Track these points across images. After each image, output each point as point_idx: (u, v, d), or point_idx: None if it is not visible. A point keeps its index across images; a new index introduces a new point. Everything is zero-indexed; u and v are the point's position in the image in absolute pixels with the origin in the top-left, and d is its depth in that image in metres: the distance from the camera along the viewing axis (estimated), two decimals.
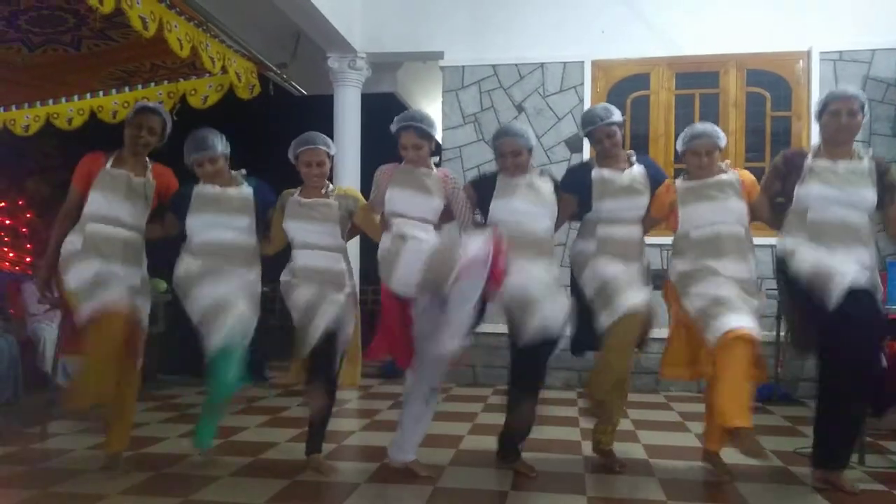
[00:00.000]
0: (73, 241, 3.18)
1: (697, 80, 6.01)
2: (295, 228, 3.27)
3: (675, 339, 3.28)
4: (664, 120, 6.03)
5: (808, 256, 3.02)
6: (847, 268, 2.93)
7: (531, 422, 3.29)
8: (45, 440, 3.87)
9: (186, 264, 3.25)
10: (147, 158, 3.37)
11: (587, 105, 6.03)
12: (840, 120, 3.07)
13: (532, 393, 3.25)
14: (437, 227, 3.21)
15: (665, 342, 3.35)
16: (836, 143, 3.11)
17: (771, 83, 5.89)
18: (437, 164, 3.51)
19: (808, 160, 3.12)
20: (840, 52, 5.74)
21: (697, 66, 5.98)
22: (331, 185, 3.40)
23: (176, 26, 3.35)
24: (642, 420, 4.49)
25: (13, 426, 4.15)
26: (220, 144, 3.29)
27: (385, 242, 3.14)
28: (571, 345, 3.38)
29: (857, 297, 2.90)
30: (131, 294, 3.16)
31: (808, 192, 3.07)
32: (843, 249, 2.98)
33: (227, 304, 3.12)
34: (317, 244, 3.26)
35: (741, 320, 2.98)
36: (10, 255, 7.01)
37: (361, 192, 3.57)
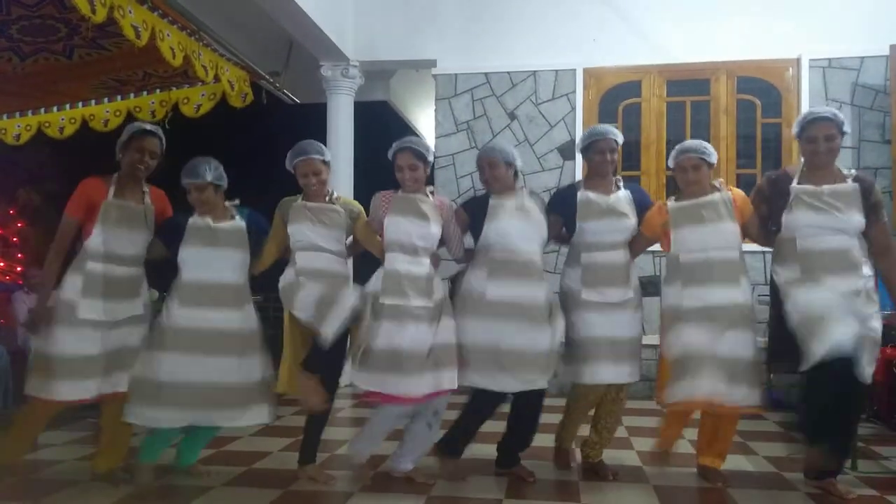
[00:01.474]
0: (73, 282, 3.09)
1: (688, 88, 6.05)
2: (301, 231, 3.23)
3: (665, 367, 3.29)
4: (655, 127, 6.06)
5: (800, 306, 3.00)
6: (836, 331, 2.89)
7: (531, 437, 3.41)
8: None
9: (173, 310, 3.14)
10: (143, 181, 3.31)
11: (579, 112, 6.07)
12: (818, 146, 3.07)
13: (533, 415, 3.39)
14: (433, 255, 3.25)
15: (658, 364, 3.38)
16: (818, 167, 3.10)
17: (761, 90, 5.94)
18: (432, 181, 3.54)
19: (794, 185, 3.10)
20: (829, 59, 5.79)
21: (688, 73, 6.02)
22: (334, 193, 3.40)
23: (168, 35, 3.36)
24: (636, 427, 4.49)
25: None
26: (210, 174, 3.18)
27: (376, 280, 3.17)
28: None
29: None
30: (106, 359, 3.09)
31: (797, 220, 3.07)
32: (836, 281, 2.97)
33: (193, 386, 3.06)
34: (323, 247, 3.25)
35: (694, 387, 3.04)
36: (1, 264, 6.97)
37: (355, 199, 3.58)
